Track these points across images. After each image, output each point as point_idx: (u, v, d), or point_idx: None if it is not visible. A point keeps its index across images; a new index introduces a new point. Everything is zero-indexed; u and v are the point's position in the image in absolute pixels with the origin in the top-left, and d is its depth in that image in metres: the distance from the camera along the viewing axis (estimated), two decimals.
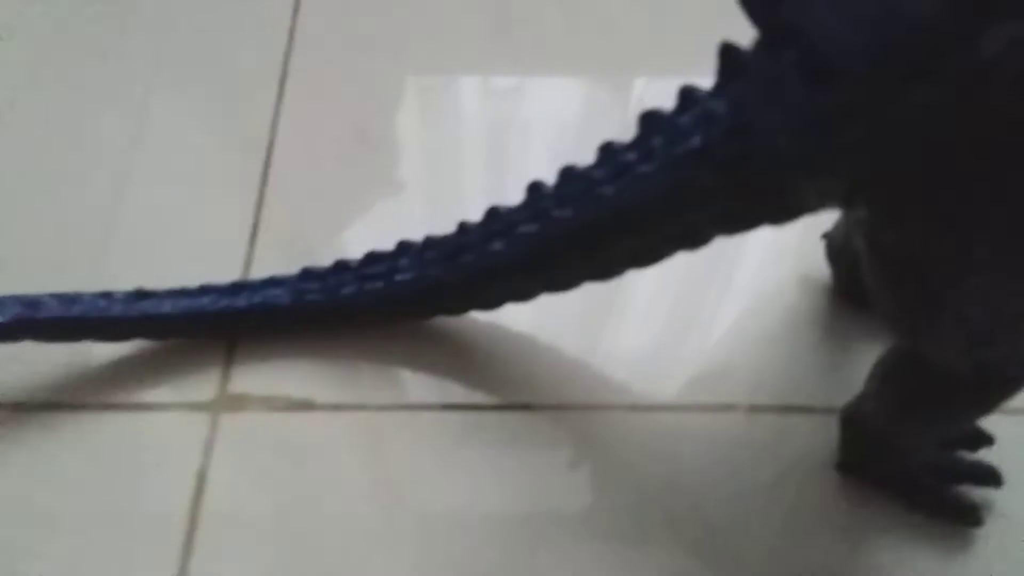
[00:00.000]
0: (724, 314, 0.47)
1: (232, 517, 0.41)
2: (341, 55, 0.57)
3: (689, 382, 0.45)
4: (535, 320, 0.46)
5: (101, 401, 0.44)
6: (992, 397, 0.33)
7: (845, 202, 0.30)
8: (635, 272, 0.39)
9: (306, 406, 0.44)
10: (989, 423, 0.43)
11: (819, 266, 0.46)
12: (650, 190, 0.33)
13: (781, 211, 0.32)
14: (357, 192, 0.52)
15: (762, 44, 0.28)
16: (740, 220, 0.33)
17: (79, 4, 0.59)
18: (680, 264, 0.45)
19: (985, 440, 0.41)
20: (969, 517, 0.40)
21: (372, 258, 0.43)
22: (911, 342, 0.33)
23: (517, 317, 0.45)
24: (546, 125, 0.54)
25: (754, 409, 0.44)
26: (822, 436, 0.42)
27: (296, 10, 0.59)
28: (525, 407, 0.44)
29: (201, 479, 0.42)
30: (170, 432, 0.43)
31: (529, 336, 0.46)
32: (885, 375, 0.35)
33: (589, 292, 0.40)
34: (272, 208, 0.50)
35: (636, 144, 0.34)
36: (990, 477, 0.40)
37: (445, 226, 0.41)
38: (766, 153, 0.29)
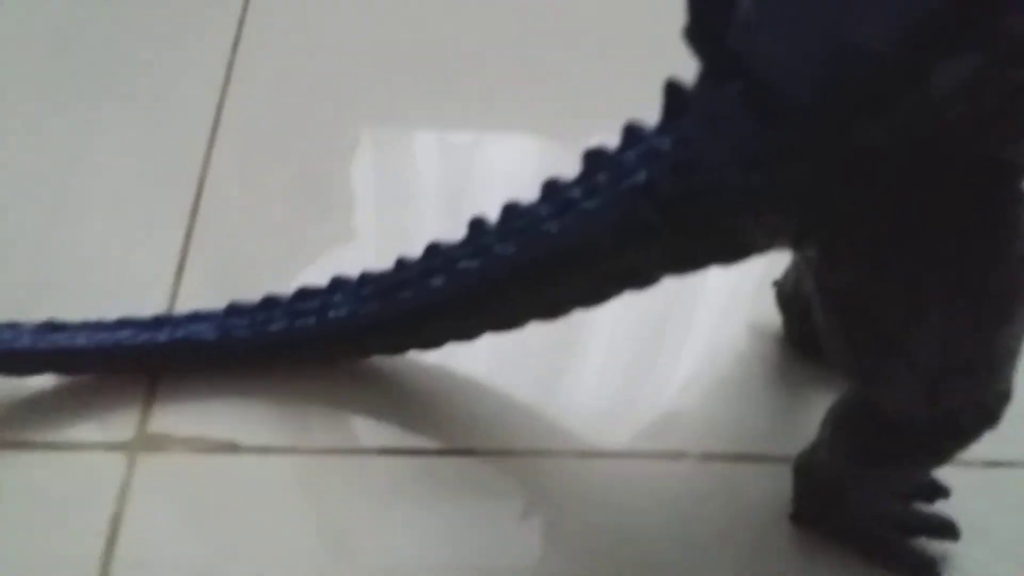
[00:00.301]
0: (676, 361, 0.45)
1: (146, 566, 0.38)
2: (279, 96, 0.55)
3: (640, 429, 0.43)
4: (480, 361, 0.44)
5: (9, 439, 0.41)
6: (946, 446, 0.32)
7: (794, 242, 0.28)
8: (583, 313, 0.37)
9: (230, 448, 0.41)
10: (945, 475, 0.41)
11: (771, 314, 0.45)
12: (594, 227, 0.32)
13: (728, 250, 0.30)
14: (293, 233, 0.49)
15: (706, 77, 0.27)
16: (686, 259, 0.31)
17: (20, 30, 0.57)
18: (632, 310, 0.44)
19: (941, 492, 0.40)
20: (926, 570, 0.38)
21: (304, 294, 0.41)
22: (863, 388, 0.31)
23: (461, 357, 0.43)
24: (498, 176, 0.52)
25: (706, 457, 0.42)
26: (775, 485, 0.40)
27: (235, 47, 0.57)
28: (468, 452, 0.42)
29: (115, 524, 0.39)
30: (84, 473, 0.40)
31: (473, 378, 0.44)
32: (837, 423, 0.33)
33: (537, 333, 0.39)
34: (201, 243, 0.48)
35: (580, 180, 0.33)
36: (947, 530, 0.39)
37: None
38: (711, 190, 0.28)
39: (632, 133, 0.31)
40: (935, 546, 0.40)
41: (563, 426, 0.43)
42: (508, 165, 0.53)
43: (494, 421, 0.43)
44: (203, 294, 0.45)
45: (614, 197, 0.31)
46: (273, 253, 0.49)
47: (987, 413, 0.30)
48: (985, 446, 0.43)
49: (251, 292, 0.42)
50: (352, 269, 0.41)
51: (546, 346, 0.44)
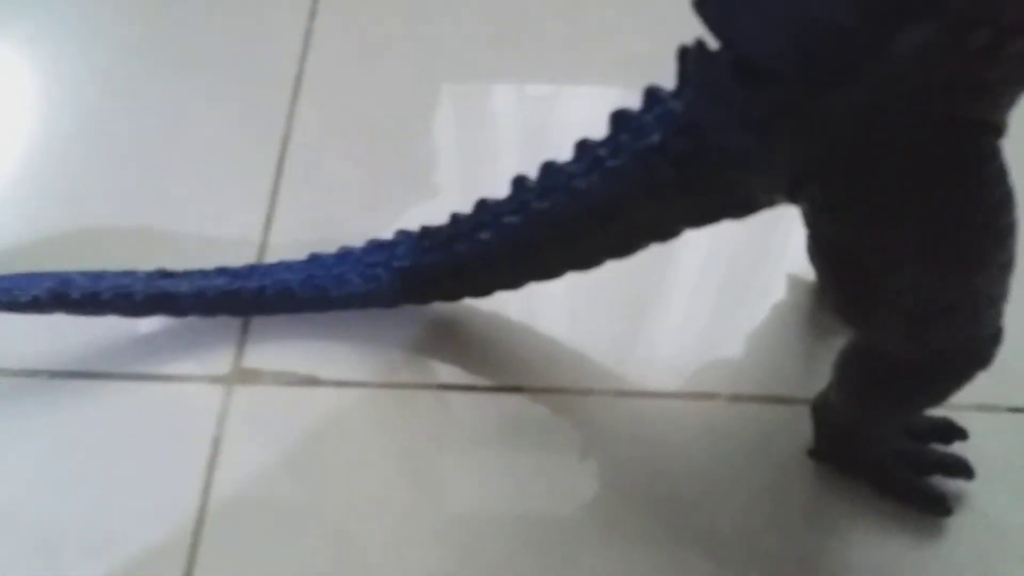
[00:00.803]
0: (711, 308, 0.49)
1: (242, 481, 0.45)
2: (358, 56, 0.60)
3: (674, 370, 0.47)
4: (528, 307, 0.48)
5: (126, 371, 0.48)
6: (939, 386, 0.34)
7: (788, 196, 0.31)
8: (615, 263, 0.41)
9: (312, 381, 0.47)
10: (968, 419, 0.44)
11: (804, 265, 0.47)
12: (617, 184, 0.35)
13: (735, 204, 0.34)
14: (375, 187, 0.54)
15: (703, 46, 0.30)
16: (699, 213, 0.35)
17: (117, 8, 0.63)
18: (670, 258, 0.47)
19: (958, 434, 0.42)
20: (938, 507, 0.41)
21: (374, 246, 0.46)
22: (858, 331, 0.34)
23: (511, 304, 0.47)
24: (575, 126, 0.55)
25: (735, 398, 0.46)
26: (799, 425, 0.44)
27: (313, 11, 0.62)
28: (517, 389, 0.47)
29: (216, 445, 0.46)
30: (188, 401, 0.47)
31: (522, 322, 0.48)
32: (842, 365, 0.37)
33: (579, 282, 0.43)
34: (287, 198, 0.53)
35: (607, 141, 0.36)
36: (960, 469, 0.41)
37: None
38: (711, 150, 0.31)
39: (651, 96, 0.34)
40: (951, 485, 0.42)
41: (603, 367, 0.47)
42: (585, 114, 0.56)
43: (540, 362, 0.47)
44: (289, 245, 0.51)
45: (634, 156, 0.34)
46: (356, 208, 0.54)
47: (976, 354, 0.33)
48: (1010, 391, 0.45)
49: (334, 245, 0.48)
50: (433, 221, 0.44)
51: (588, 293, 0.48)
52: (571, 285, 0.43)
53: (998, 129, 0.28)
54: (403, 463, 0.45)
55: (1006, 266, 0.30)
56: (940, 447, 0.42)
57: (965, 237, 0.29)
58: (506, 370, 0.47)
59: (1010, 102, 0.28)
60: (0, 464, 0.45)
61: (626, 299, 0.49)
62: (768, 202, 0.33)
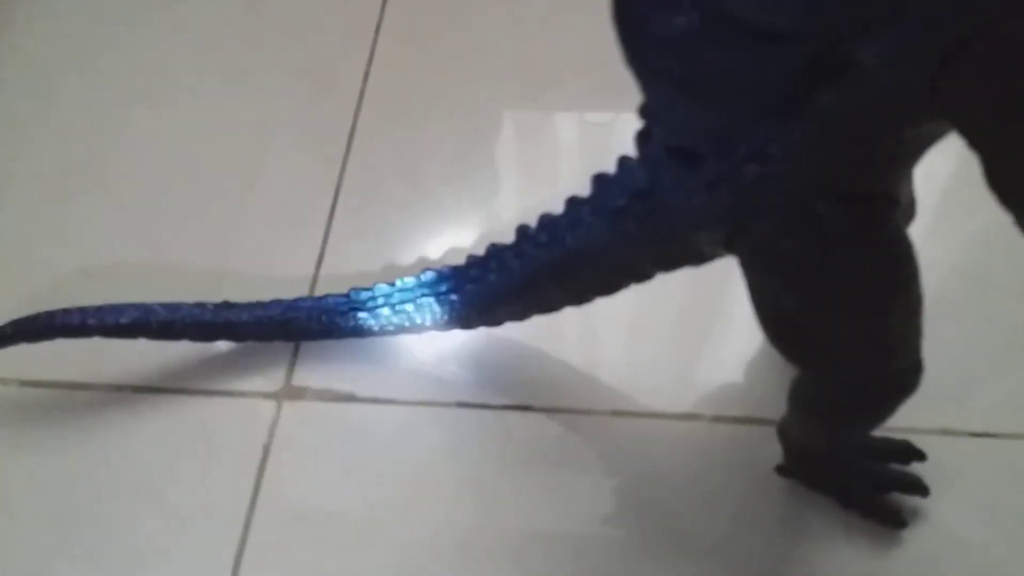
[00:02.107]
0: (697, 337, 0.54)
1: (289, 485, 0.52)
2: (420, 82, 0.67)
3: (663, 393, 0.52)
4: (535, 334, 0.54)
5: (194, 387, 0.56)
6: (872, 410, 0.40)
7: (726, 251, 0.37)
8: (606, 299, 0.47)
9: (350, 398, 0.55)
10: (931, 442, 0.48)
11: None
12: (594, 236, 0.42)
13: (688, 255, 0.39)
14: (436, 212, 0.61)
15: (648, 132, 0.36)
16: (662, 261, 0.41)
17: (205, 69, 0.73)
18: (662, 291, 0.53)
19: (916, 455, 0.47)
20: (894, 520, 0.46)
21: (399, 282, 0.53)
22: (793, 365, 0.39)
23: (520, 331, 0.54)
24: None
25: (717, 419, 0.51)
26: (772, 444, 0.49)
27: (377, 31, 0.70)
28: (526, 408, 0.53)
29: (266, 452, 0.53)
30: (244, 413, 0.55)
31: (530, 347, 0.55)
32: (791, 394, 0.42)
33: (582, 314, 0.49)
34: (342, 229, 0.61)
35: (587, 200, 0.42)
36: (916, 487, 0.46)
37: None
38: (662, 212, 0.37)
39: (621, 163, 0.40)
40: (909, 501, 0.47)
41: (601, 389, 0.53)
42: None
43: (548, 383, 0.54)
44: (344, 273, 0.58)
45: (607, 214, 0.41)
46: (417, 232, 0.61)
47: (899, 384, 0.38)
48: (971, 417, 0.50)
49: (401, 260, 0.54)
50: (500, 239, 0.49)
51: (589, 322, 0.55)
52: (575, 316, 0.50)
53: (893, 199, 0.34)
54: (418, 472, 0.52)
55: (912, 308, 0.35)
56: (899, 467, 0.47)
57: (871, 288, 0.34)
58: (517, 390, 0.54)
59: (902, 176, 0.33)
60: (93, 466, 0.54)
61: (622, 328, 0.55)
62: (715, 254, 0.39)
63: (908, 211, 0.41)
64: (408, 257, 0.60)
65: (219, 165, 0.66)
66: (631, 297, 0.46)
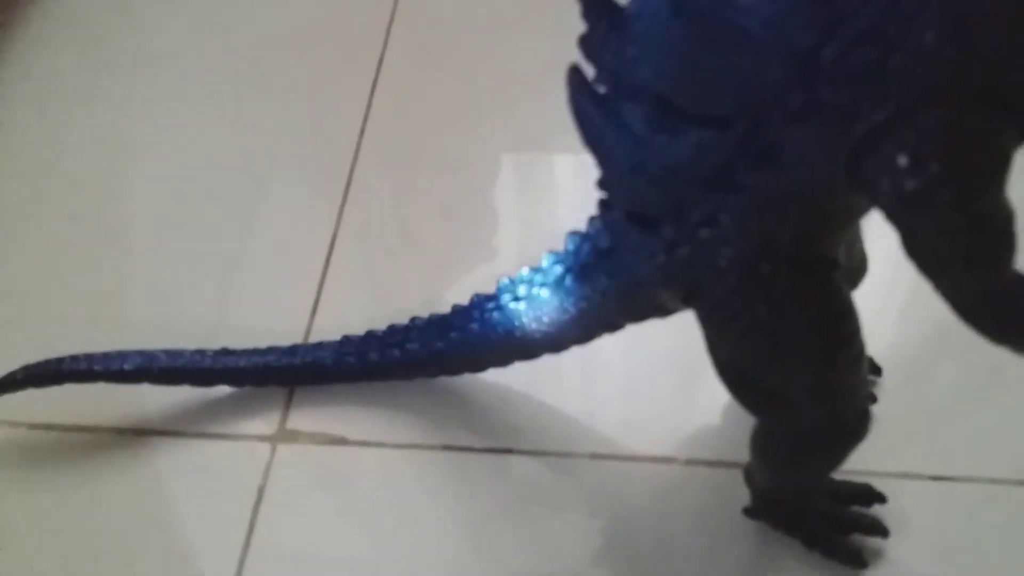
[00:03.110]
0: (673, 382, 0.57)
1: (282, 524, 0.55)
2: (421, 122, 0.71)
3: (639, 436, 0.55)
4: (516, 379, 0.57)
5: (193, 430, 0.58)
6: (825, 455, 0.42)
7: (685, 306, 0.40)
8: (588, 346, 0.50)
9: (341, 441, 0.57)
10: (892, 485, 0.51)
11: None
12: (567, 289, 0.45)
13: (654, 309, 0.42)
14: (434, 252, 0.65)
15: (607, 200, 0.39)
16: (632, 314, 0.44)
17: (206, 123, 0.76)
18: (640, 338, 0.56)
19: (877, 498, 0.49)
20: (855, 560, 0.48)
21: (392, 331, 0.56)
22: (750, 412, 0.42)
23: (503, 376, 0.57)
24: None
25: (690, 462, 0.54)
26: (744, 487, 0.51)
27: (377, 70, 0.74)
28: (507, 451, 0.56)
29: (260, 493, 0.56)
30: (241, 455, 0.57)
31: (512, 392, 0.57)
32: (751, 439, 0.44)
33: (562, 358, 0.52)
34: (340, 266, 0.64)
35: (562, 256, 0.45)
36: (876, 529, 0.48)
37: None
38: (627, 271, 0.40)
39: (591, 222, 0.43)
40: (870, 542, 0.49)
41: (581, 432, 0.56)
42: None
43: (529, 426, 0.56)
44: (345, 311, 0.61)
45: (579, 269, 0.44)
46: (413, 279, 0.64)
47: (847, 431, 0.41)
48: (931, 461, 0.52)
49: (392, 309, 0.56)
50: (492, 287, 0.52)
51: (568, 368, 0.57)
52: (555, 362, 0.52)
53: (833, 261, 0.37)
54: (405, 514, 0.54)
55: (855, 360, 0.38)
56: (861, 509, 0.49)
57: (815, 343, 0.37)
58: (500, 434, 0.56)
59: (841, 240, 0.36)
60: (95, 505, 0.56)
61: (601, 373, 0.58)
62: (677, 308, 0.42)
63: (859, 268, 0.44)
64: (404, 304, 0.63)
65: (220, 214, 0.69)
66: (609, 344, 0.49)
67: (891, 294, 0.58)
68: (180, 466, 0.57)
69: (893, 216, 0.30)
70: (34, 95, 0.79)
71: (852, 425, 0.40)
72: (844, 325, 0.37)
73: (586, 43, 0.34)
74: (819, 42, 0.28)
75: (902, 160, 0.28)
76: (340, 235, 0.67)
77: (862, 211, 0.34)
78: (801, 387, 0.38)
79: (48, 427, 0.59)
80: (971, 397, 0.54)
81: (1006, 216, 0.29)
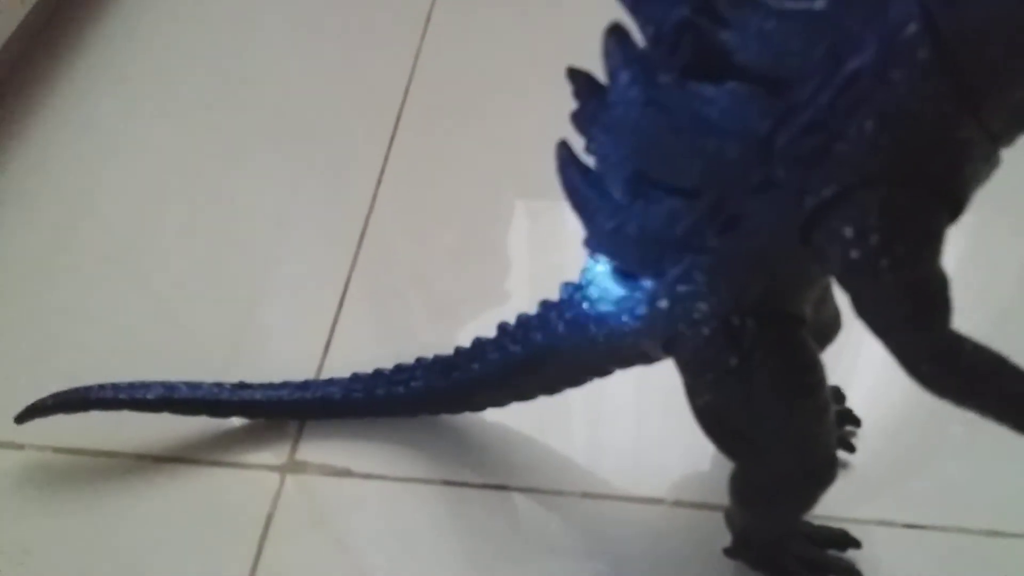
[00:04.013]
0: (663, 423, 0.60)
1: (289, 548, 0.58)
2: (437, 170, 0.76)
3: (629, 476, 0.58)
4: (514, 419, 0.60)
5: (209, 459, 0.62)
6: (795, 499, 0.45)
7: (666, 354, 0.44)
8: (575, 391, 0.53)
9: (346, 473, 0.61)
10: (868, 531, 0.53)
11: None
12: (560, 338, 0.48)
13: (639, 356, 0.46)
14: (447, 294, 0.68)
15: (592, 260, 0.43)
16: (619, 361, 0.47)
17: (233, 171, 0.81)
18: (628, 381, 0.59)
19: (852, 543, 0.52)
20: None
21: (399, 369, 0.60)
22: (727, 457, 0.45)
23: (500, 415, 0.60)
24: None
25: (677, 503, 0.57)
26: (725, 529, 0.54)
27: (396, 123, 0.79)
28: (503, 487, 0.59)
29: (269, 521, 0.59)
30: (252, 484, 0.61)
31: (509, 430, 0.61)
32: (729, 484, 0.47)
33: (557, 400, 0.55)
34: (354, 307, 0.68)
35: (557, 304, 0.49)
36: (849, 572, 0.51)
37: None
38: (610, 322, 0.44)
39: (583, 273, 0.47)
40: None
41: (573, 471, 0.59)
42: None
43: (524, 464, 0.59)
44: (356, 349, 0.65)
45: (570, 319, 0.47)
46: (424, 321, 0.68)
47: (816, 476, 0.44)
48: (906, 509, 0.55)
49: (403, 350, 0.59)
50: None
51: (565, 409, 0.60)
52: (550, 403, 0.56)
53: (799, 317, 0.40)
54: (404, 545, 0.57)
55: (821, 409, 0.41)
56: (837, 553, 0.52)
57: (782, 391, 0.40)
58: (496, 470, 0.59)
59: (807, 299, 0.40)
60: (114, 528, 0.59)
61: (594, 414, 0.61)
62: (659, 356, 0.45)
63: (832, 326, 0.47)
64: (414, 346, 0.66)
65: (241, 257, 0.74)
66: (602, 387, 0.53)
67: (868, 349, 0.61)
68: (194, 492, 0.61)
69: (841, 281, 0.34)
70: (73, 142, 0.84)
71: (819, 470, 0.43)
72: (809, 376, 0.40)
73: (576, 118, 0.38)
74: (773, 129, 0.32)
75: (846, 232, 0.32)
76: (354, 278, 0.71)
77: (819, 274, 0.38)
78: (770, 433, 0.41)
79: (72, 451, 0.63)
80: (945, 449, 0.57)
81: (940, 282, 0.33)
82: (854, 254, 0.32)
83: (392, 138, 0.81)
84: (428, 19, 0.92)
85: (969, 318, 0.60)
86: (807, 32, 0.31)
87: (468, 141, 0.80)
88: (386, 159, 0.80)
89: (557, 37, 0.80)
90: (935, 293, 0.33)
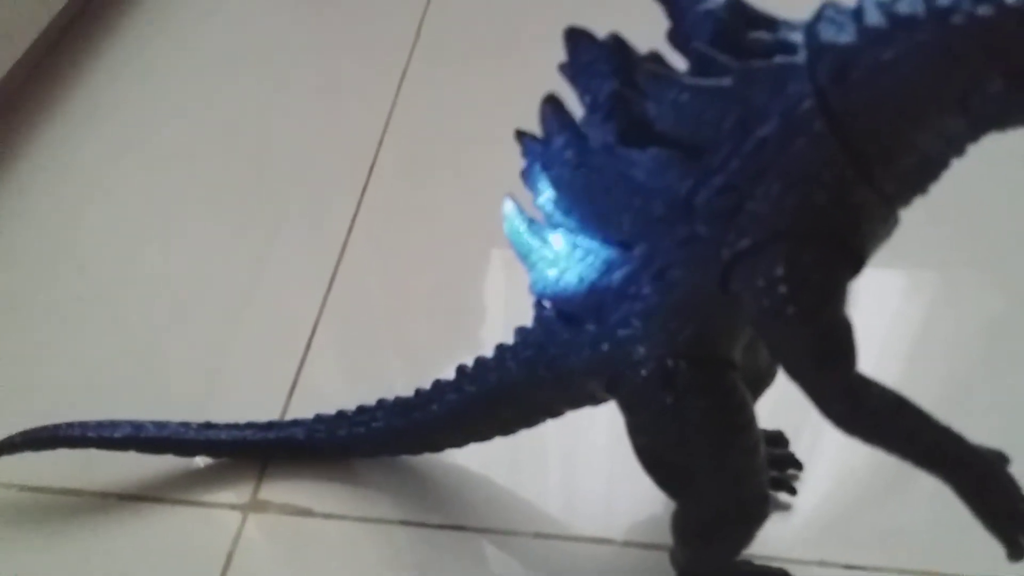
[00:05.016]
0: (614, 464, 0.62)
1: None
2: (412, 217, 0.78)
3: (581, 516, 0.60)
4: (471, 460, 0.62)
5: (173, 497, 0.63)
6: (731, 535, 0.47)
7: (609, 395, 0.46)
8: (529, 433, 0.55)
9: (307, 513, 0.62)
10: (810, 571, 0.55)
11: None
12: (513, 380, 0.50)
13: (586, 397, 0.48)
14: (421, 341, 0.70)
15: (540, 301, 0.46)
16: (568, 401, 0.50)
17: (207, 209, 0.84)
18: (581, 422, 0.61)
19: None
20: None
21: (361, 410, 0.61)
22: (666, 495, 0.47)
23: (458, 456, 0.62)
24: None
25: (627, 543, 0.58)
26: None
27: (370, 171, 0.82)
28: (459, 527, 0.60)
29: (229, 559, 0.60)
30: (214, 522, 0.62)
31: (466, 471, 0.62)
32: (671, 521, 0.49)
33: (511, 441, 0.57)
34: (321, 351, 0.70)
35: (510, 347, 0.51)
36: None
37: None
38: (560, 363, 0.46)
39: (534, 317, 0.50)
40: None
41: (527, 512, 0.60)
42: None
43: (480, 505, 0.61)
44: (322, 392, 0.67)
45: (522, 361, 0.49)
46: (396, 360, 0.70)
47: (749, 513, 0.46)
48: (846, 551, 0.57)
49: (369, 393, 0.61)
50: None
51: (520, 450, 0.62)
52: (505, 444, 0.57)
53: (730, 361, 0.43)
54: None
55: (751, 448, 0.43)
56: None
57: (714, 431, 0.42)
58: (453, 510, 0.61)
59: (736, 346, 0.42)
60: (79, 566, 0.60)
61: (547, 456, 0.63)
62: (604, 397, 0.47)
63: (765, 377, 0.50)
64: (381, 389, 0.68)
65: (213, 301, 0.76)
66: (555, 428, 0.55)
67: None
68: (157, 530, 0.62)
69: (756, 328, 0.36)
70: (53, 186, 0.87)
71: (751, 507, 0.45)
72: (739, 416, 0.43)
73: (523, 175, 0.42)
74: (692, 190, 0.36)
75: (758, 282, 0.35)
76: (322, 322, 0.73)
77: (743, 321, 0.41)
78: (704, 470, 0.44)
79: (37, 490, 0.64)
80: (884, 492, 0.59)
81: (844, 328, 0.36)
82: (765, 303, 0.35)
83: (365, 187, 0.84)
84: (404, 74, 0.96)
85: (939, 369, 0.64)
86: (717, 105, 0.35)
87: (441, 191, 0.83)
88: (358, 207, 0.82)
89: (528, 93, 0.83)
90: (840, 339, 0.36)
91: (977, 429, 0.54)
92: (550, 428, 0.55)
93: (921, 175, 0.35)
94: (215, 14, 1.07)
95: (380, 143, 0.88)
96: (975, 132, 0.33)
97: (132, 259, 0.80)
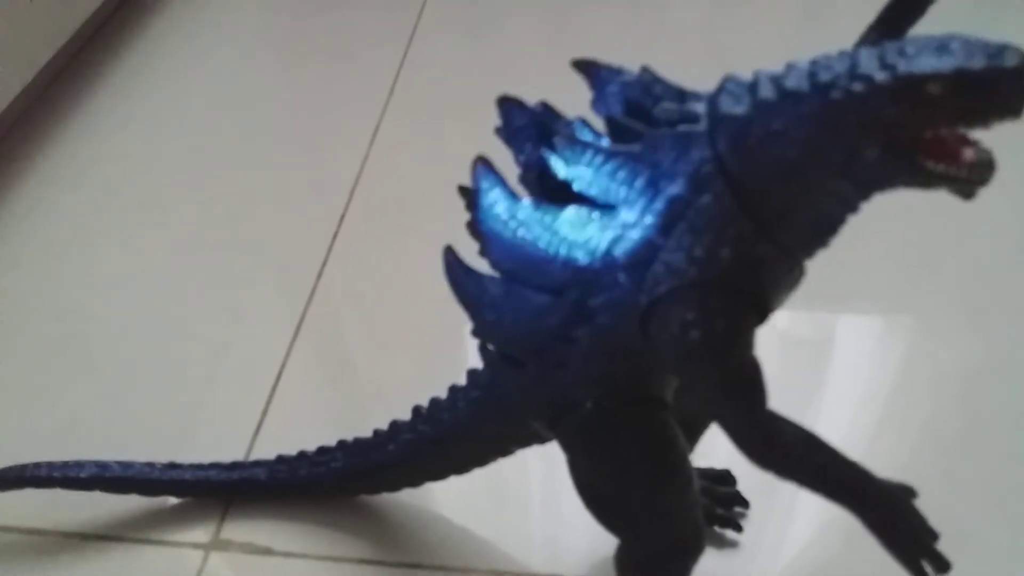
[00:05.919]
0: (568, 503, 0.63)
1: None
2: (384, 253, 0.82)
3: (535, 554, 0.61)
4: (427, 499, 0.64)
5: (136, 536, 0.64)
6: (669, 566, 0.49)
7: (552, 433, 0.48)
8: (480, 471, 0.57)
9: (268, 552, 0.63)
10: None
11: None
12: (463, 420, 0.53)
13: (532, 436, 0.50)
14: (394, 380, 0.73)
15: (485, 345, 0.49)
16: (516, 440, 0.52)
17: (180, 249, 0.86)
18: (537, 462, 0.63)
19: None
20: None
21: (321, 451, 0.63)
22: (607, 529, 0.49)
23: (414, 496, 0.63)
24: None
25: None
26: None
27: (343, 214, 0.85)
28: (416, 566, 0.62)
29: None
30: (176, 561, 0.63)
31: (423, 511, 0.64)
32: (615, 558, 0.51)
33: (467, 479, 0.58)
34: (288, 391, 0.72)
35: (462, 388, 0.54)
36: None
37: None
38: (505, 403, 0.49)
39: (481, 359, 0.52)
40: None
41: (482, 549, 0.62)
42: None
43: (436, 543, 0.62)
44: (287, 433, 0.69)
45: (472, 401, 0.52)
46: (364, 401, 0.72)
47: (685, 546, 0.48)
48: None
49: (336, 432, 0.62)
50: None
51: (472, 490, 0.64)
52: (460, 483, 0.59)
53: (662, 402, 0.45)
54: None
55: (685, 484, 0.46)
56: None
57: (647, 467, 0.45)
58: (410, 549, 0.62)
59: (665, 385, 0.45)
60: None
61: (502, 495, 0.65)
62: (549, 436, 0.50)
63: (700, 425, 0.52)
64: (345, 430, 0.70)
65: (183, 343, 0.78)
66: (510, 466, 0.57)
67: None
68: (120, 569, 0.63)
69: (673, 369, 0.39)
70: (35, 231, 0.89)
71: (687, 540, 0.48)
72: (671, 453, 0.45)
73: (468, 226, 0.45)
74: (612, 243, 0.40)
75: (673, 327, 0.38)
76: (288, 365, 0.76)
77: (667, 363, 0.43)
78: (639, 505, 0.46)
79: (4, 529, 0.65)
80: (829, 530, 0.61)
81: (753, 369, 0.39)
82: (679, 346, 0.38)
83: (335, 235, 0.87)
84: (377, 129, 1.00)
85: (917, 414, 0.67)
86: (629, 167, 0.39)
87: (408, 239, 0.86)
88: (328, 253, 0.85)
89: (493, 149, 0.87)
90: (748, 378, 0.38)
91: (957, 472, 0.58)
92: (505, 467, 0.57)
93: (818, 230, 0.38)
94: (196, 68, 1.11)
95: (352, 193, 0.92)
96: (862, 193, 0.36)
97: (104, 303, 0.82)
